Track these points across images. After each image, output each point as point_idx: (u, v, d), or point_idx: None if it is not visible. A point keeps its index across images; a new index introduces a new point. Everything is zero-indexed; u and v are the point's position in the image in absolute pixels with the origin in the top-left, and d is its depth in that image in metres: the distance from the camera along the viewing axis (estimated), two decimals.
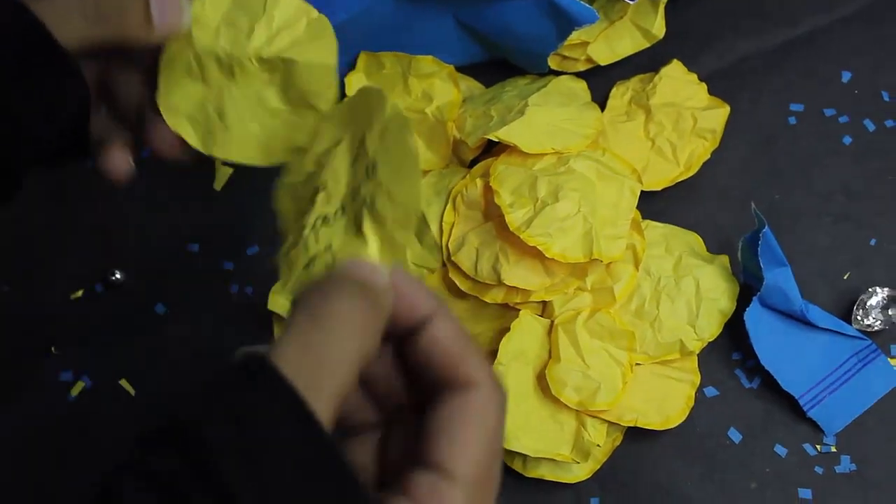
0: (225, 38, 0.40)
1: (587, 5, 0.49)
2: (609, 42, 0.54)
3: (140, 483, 0.27)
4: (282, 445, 0.27)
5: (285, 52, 0.39)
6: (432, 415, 0.31)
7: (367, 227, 0.36)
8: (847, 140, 0.54)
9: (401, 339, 0.32)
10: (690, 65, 0.55)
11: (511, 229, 0.47)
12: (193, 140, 0.40)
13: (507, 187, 0.49)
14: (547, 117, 0.51)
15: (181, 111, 0.40)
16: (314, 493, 0.27)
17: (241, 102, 0.40)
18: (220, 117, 0.40)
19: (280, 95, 0.40)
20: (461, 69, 0.55)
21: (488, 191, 0.49)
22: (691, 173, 0.52)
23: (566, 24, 0.50)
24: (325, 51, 0.40)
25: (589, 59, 0.54)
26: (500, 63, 0.55)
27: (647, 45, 0.54)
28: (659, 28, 0.54)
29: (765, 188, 0.53)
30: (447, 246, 0.50)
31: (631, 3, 0.50)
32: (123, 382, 0.52)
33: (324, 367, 0.29)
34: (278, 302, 0.49)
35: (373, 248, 0.35)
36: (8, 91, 0.37)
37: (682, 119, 0.53)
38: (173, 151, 0.40)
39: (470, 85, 0.55)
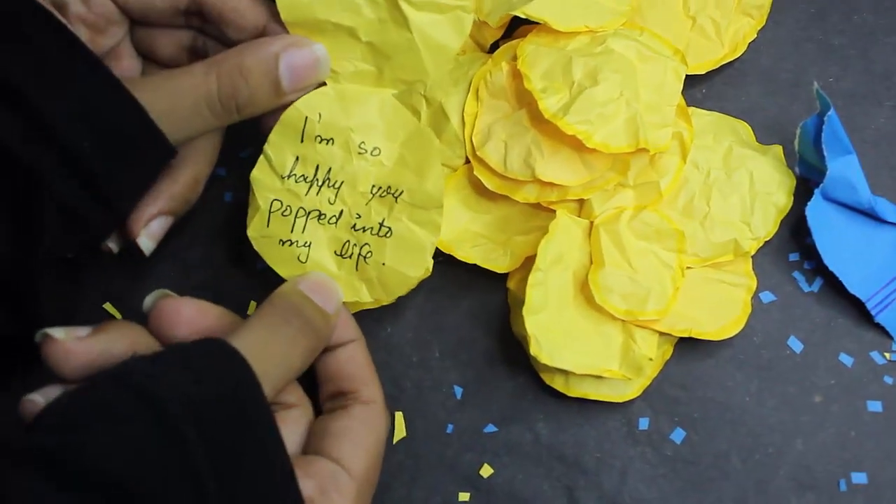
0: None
1: None
2: None
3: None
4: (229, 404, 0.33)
5: None
6: (337, 417, 0.39)
7: (358, 271, 0.42)
8: None
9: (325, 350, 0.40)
10: None
11: (546, 117, 0.42)
12: None
13: (537, 71, 0.43)
14: None
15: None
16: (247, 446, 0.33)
17: None
18: None
19: None
20: None
21: (516, 76, 0.44)
22: (737, 55, 0.47)
23: None
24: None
25: None
26: None
27: None
28: None
29: (818, 69, 0.48)
30: (471, 139, 0.44)
31: None
32: (108, 306, 0.46)
33: (269, 374, 0.35)
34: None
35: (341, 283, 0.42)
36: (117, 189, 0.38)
37: None
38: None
39: None
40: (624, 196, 0.44)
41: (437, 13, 0.41)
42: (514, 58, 0.44)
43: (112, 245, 0.41)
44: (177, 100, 0.39)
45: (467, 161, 0.44)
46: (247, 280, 0.46)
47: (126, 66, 0.42)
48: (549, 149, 0.43)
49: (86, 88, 0.36)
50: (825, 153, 0.43)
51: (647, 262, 0.43)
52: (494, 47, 0.46)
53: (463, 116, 0.44)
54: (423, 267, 0.42)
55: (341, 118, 0.42)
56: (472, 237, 0.45)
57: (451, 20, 0.42)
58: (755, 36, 0.47)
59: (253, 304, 0.46)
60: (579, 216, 0.44)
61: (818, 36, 0.48)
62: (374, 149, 0.42)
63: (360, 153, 0.42)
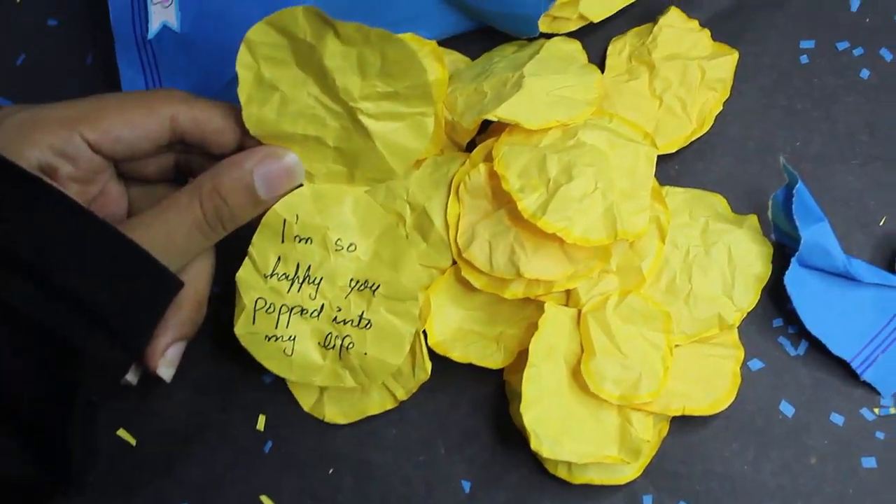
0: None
1: None
2: None
3: None
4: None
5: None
6: None
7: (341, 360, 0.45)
8: (865, 73, 0.50)
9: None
10: (689, 10, 0.51)
11: (525, 217, 0.43)
12: None
13: (513, 170, 0.45)
14: (545, 87, 0.47)
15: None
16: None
17: None
18: None
19: None
20: (442, 42, 0.51)
21: (493, 176, 0.45)
22: (705, 129, 0.49)
23: None
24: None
25: (581, 17, 0.50)
26: (484, 31, 0.51)
27: None
28: None
29: (784, 135, 0.50)
30: (456, 241, 0.46)
31: None
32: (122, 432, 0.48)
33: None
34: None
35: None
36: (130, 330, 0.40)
37: (689, 71, 0.49)
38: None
39: (454, 59, 0.51)
40: (609, 281, 0.46)
41: (397, 121, 0.43)
42: (491, 157, 0.46)
43: (131, 379, 0.43)
44: (171, 234, 0.41)
45: (455, 262, 0.46)
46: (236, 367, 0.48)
47: (113, 199, 0.44)
48: (531, 245, 0.44)
49: (90, 246, 0.38)
50: (797, 223, 0.45)
51: (637, 346, 0.45)
52: (471, 145, 0.48)
53: (446, 218, 0.46)
54: (402, 354, 0.44)
55: (318, 218, 0.44)
56: (466, 335, 0.46)
57: (411, 126, 0.43)
58: (721, 108, 0.49)
59: (261, 417, 0.48)
60: (567, 304, 0.46)
61: (782, 102, 0.50)
62: (350, 245, 0.44)
63: (336, 250, 0.44)
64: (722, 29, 0.51)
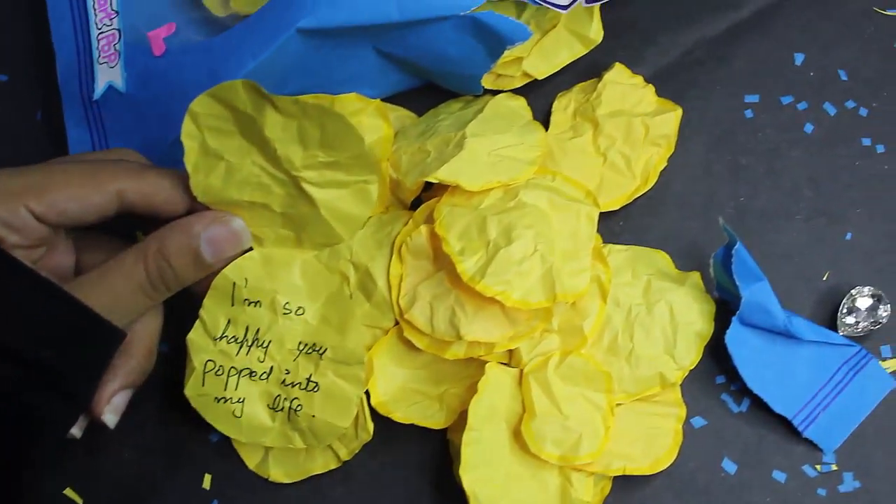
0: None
1: (517, 21, 0.45)
2: (545, 53, 0.50)
3: None
4: None
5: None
6: None
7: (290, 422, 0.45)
8: (809, 128, 0.51)
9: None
10: (634, 65, 0.51)
11: (464, 280, 0.44)
12: None
13: (454, 232, 0.45)
14: (487, 147, 0.47)
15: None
16: None
17: None
18: None
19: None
20: (388, 98, 0.51)
21: (435, 237, 0.46)
22: (649, 185, 0.49)
23: (496, 43, 0.46)
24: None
25: (525, 74, 0.50)
26: (431, 87, 0.51)
27: (586, 50, 0.51)
28: (596, 32, 0.50)
29: (728, 190, 0.50)
30: (398, 302, 0.46)
31: (564, 11, 0.46)
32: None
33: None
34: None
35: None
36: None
37: (633, 128, 0.49)
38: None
39: (400, 115, 0.51)
40: (551, 341, 0.46)
41: (340, 188, 0.44)
42: (433, 218, 0.46)
43: (76, 432, 0.44)
44: (116, 293, 0.42)
45: (397, 321, 0.46)
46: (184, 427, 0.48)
47: (60, 254, 0.45)
48: (472, 308, 0.45)
49: (35, 305, 0.39)
50: (737, 283, 0.45)
51: (578, 407, 0.45)
52: (417, 202, 0.48)
53: (389, 279, 0.46)
54: (349, 417, 0.45)
55: (267, 281, 0.45)
56: (408, 395, 0.47)
57: (354, 193, 0.44)
58: (666, 164, 0.50)
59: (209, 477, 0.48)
60: (509, 363, 0.46)
61: (726, 157, 0.50)
62: (299, 308, 0.45)
63: (285, 313, 0.45)
64: (667, 84, 0.51)
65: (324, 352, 0.45)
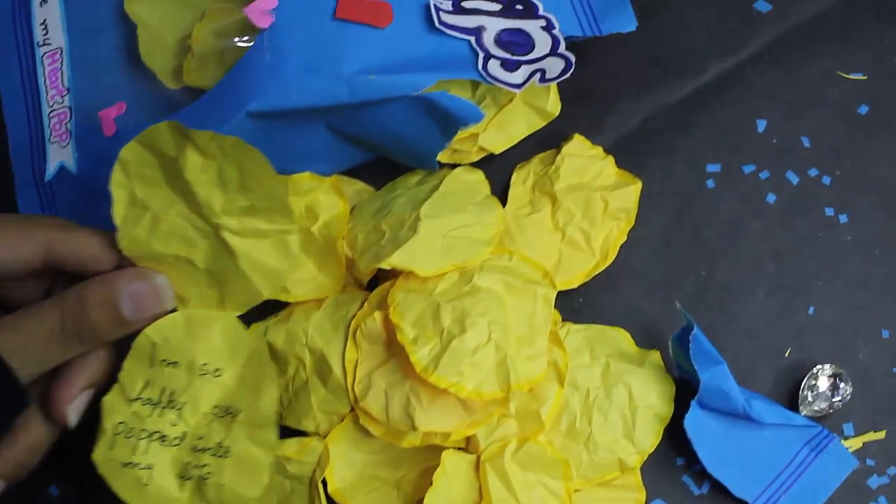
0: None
1: (470, 102, 0.45)
2: (502, 127, 0.50)
3: None
4: None
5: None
6: None
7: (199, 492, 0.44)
8: (771, 198, 0.50)
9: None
10: (593, 133, 0.51)
11: (417, 371, 0.43)
12: None
13: (408, 319, 0.45)
14: (442, 228, 0.46)
15: None
16: None
17: None
18: None
19: None
20: (346, 171, 0.50)
21: (389, 322, 0.45)
22: (609, 262, 0.49)
23: (450, 123, 0.45)
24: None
25: (482, 149, 0.50)
26: (389, 159, 0.50)
27: (544, 123, 0.50)
28: (554, 105, 0.50)
29: (689, 264, 0.49)
30: (353, 389, 0.45)
31: (518, 90, 0.45)
32: None
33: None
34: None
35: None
36: None
37: (592, 203, 0.48)
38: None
39: (358, 189, 0.51)
40: (508, 427, 0.46)
41: (260, 238, 0.43)
42: (386, 304, 0.45)
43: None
44: (27, 336, 0.41)
45: (353, 409, 0.46)
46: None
47: None
48: (427, 397, 0.44)
49: None
50: (695, 367, 0.44)
51: (535, 494, 0.44)
52: (374, 281, 0.48)
53: (344, 364, 0.46)
54: (260, 486, 0.44)
55: (187, 342, 0.44)
56: (367, 481, 0.46)
57: (274, 244, 0.43)
58: (626, 238, 0.49)
59: None
60: (466, 447, 0.46)
61: (687, 230, 0.50)
62: (217, 370, 0.44)
63: (202, 374, 0.44)
64: (627, 153, 0.50)
65: (237, 414, 0.44)
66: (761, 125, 0.51)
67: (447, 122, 0.45)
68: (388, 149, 0.49)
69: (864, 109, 0.51)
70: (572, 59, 0.46)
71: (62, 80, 0.51)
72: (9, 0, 0.53)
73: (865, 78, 0.52)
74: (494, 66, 0.45)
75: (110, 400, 0.44)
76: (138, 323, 0.43)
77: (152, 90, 0.53)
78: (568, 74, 0.46)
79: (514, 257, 0.47)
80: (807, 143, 0.51)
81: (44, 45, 0.52)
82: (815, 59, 0.52)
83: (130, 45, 0.53)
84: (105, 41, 0.53)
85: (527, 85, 0.46)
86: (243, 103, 0.45)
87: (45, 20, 0.52)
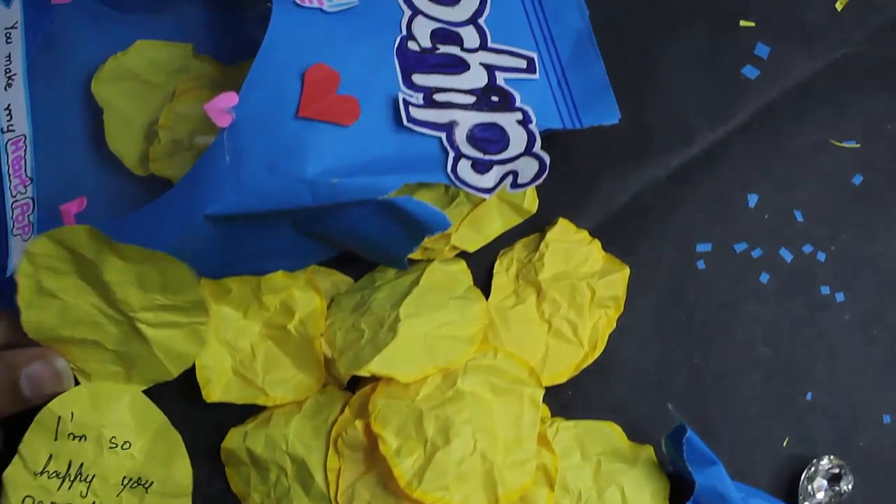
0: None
1: (436, 210, 0.43)
2: (476, 226, 0.48)
3: None
4: None
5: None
6: None
7: None
8: (765, 277, 0.48)
9: None
10: (579, 212, 0.49)
11: (401, 485, 0.41)
12: None
13: (390, 428, 0.43)
14: (423, 328, 0.45)
15: None
16: None
17: None
18: None
19: None
20: (323, 262, 0.48)
21: (371, 430, 0.43)
22: (598, 353, 0.47)
23: (416, 229, 0.43)
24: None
25: (454, 248, 0.48)
26: None
27: (520, 220, 0.48)
28: (531, 202, 0.48)
29: (681, 351, 0.48)
30: (336, 499, 0.44)
31: (487, 196, 0.43)
32: None
33: None
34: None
35: None
36: None
37: (579, 292, 0.47)
38: None
39: (335, 280, 0.49)
40: None
41: (174, 328, 0.44)
42: (367, 411, 0.44)
43: None
44: None
45: None
46: None
47: None
48: None
49: None
50: (690, 468, 0.43)
51: None
52: (353, 381, 0.46)
53: (326, 473, 0.44)
54: None
55: (93, 416, 0.44)
56: None
57: (187, 334, 0.44)
58: (614, 326, 0.47)
59: None
60: None
61: (679, 314, 0.48)
62: (125, 443, 0.45)
63: (111, 448, 0.44)
64: (614, 235, 0.49)
65: (150, 485, 0.44)
66: (752, 199, 0.49)
67: (414, 227, 0.43)
68: (355, 248, 0.47)
69: (857, 179, 0.50)
70: (546, 160, 0.44)
71: (25, 170, 0.49)
72: None
73: (859, 146, 0.50)
74: (464, 168, 0.43)
75: (12, 474, 0.44)
76: (36, 402, 0.43)
77: (117, 179, 0.51)
78: (540, 180, 0.44)
79: (500, 355, 0.45)
80: (800, 218, 0.49)
81: (7, 131, 0.50)
82: (806, 126, 0.50)
83: (96, 130, 0.51)
84: (70, 126, 0.52)
85: (497, 190, 0.44)
86: (201, 206, 0.43)
87: (9, 105, 0.50)
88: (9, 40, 0.51)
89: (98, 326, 0.44)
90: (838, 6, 0.52)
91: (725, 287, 0.48)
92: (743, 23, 0.52)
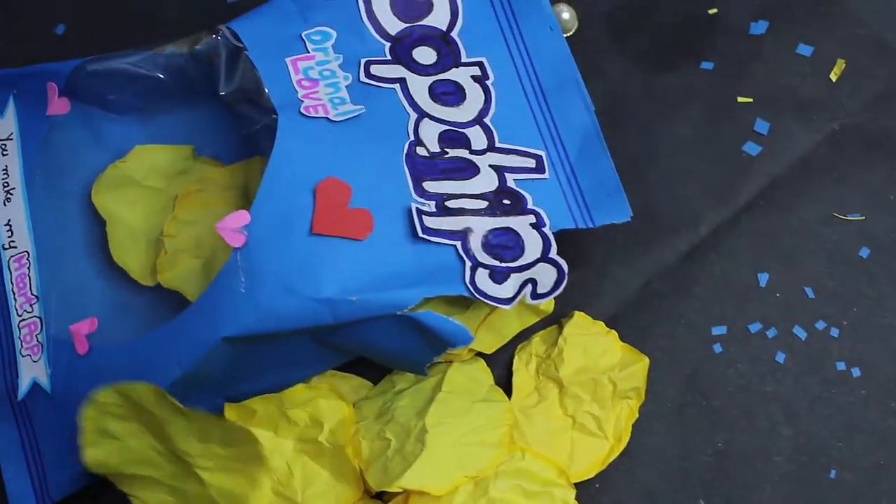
0: None
1: (458, 324, 0.43)
2: (493, 328, 0.48)
3: None
4: None
5: None
6: None
7: None
8: (780, 357, 0.49)
9: None
10: (592, 301, 0.50)
11: None
12: None
13: None
14: (451, 437, 0.45)
15: None
16: None
17: None
18: None
19: None
20: (341, 366, 0.48)
21: None
22: (623, 444, 0.47)
23: (437, 342, 0.43)
24: None
25: (471, 350, 0.48)
26: None
27: (537, 319, 0.48)
28: (548, 303, 0.47)
29: (704, 436, 0.48)
30: None
31: (507, 307, 0.43)
32: None
33: None
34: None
35: None
36: None
37: (600, 386, 0.47)
38: None
39: (355, 385, 0.49)
40: None
41: (230, 473, 0.44)
42: None
43: None
44: None
45: None
46: None
47: None
48: None
49: None
50: None
51: None
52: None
53: None
54: None
55: None
56: None
57: (243, 479, 0.44)
58: (637, 415, 0.47)
59: None
60: None
61: (699, 400, 0.48)
62: None
63: None
64: (629, 322, 0.49)
65: None
66: (763, 279, 0.50)
67: (435, 340, 0.43)
68: (374, 357, 0.47)
69: (864, 252, 0.50)
70: (565, 268, 0.44)
71: (30, 287, 0.48)
72: None
73: (864, 218, 0.50)
74: (482, 278, 0.43)
75: None
76: None
77: (124, 289, 0.50)
78: (560, 289, 0.44)
79: (527, 456, 0.45)
80: (811, 294, 0.49)
81: (9, 248, 0.49)
82: (810, 200, 0.51)
83: (99, 240, 0.50)
84: (72, 237, 0.51)
85: (517, 301, 0.44)
86: (218, 329, 0.43)
87: (9, 220, 0.49)
88: (4, 152, 0.50)
89: (156, 464, 0.44)
90: (833, 77, 0.53)
91: (742, 370, 0.49)
92: (741, 99, 0.52)
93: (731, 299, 0.49)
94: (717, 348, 0.49)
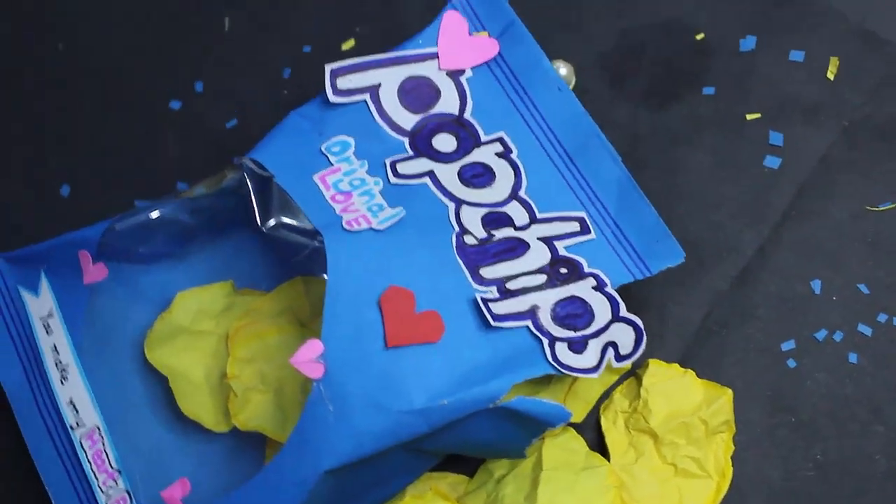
0: None
1: (554, 403, 0.43)
2: (578, 396, 0.49)
3: None
4: None
5: None
6: None
7: None
8: (853, 357, 0.49)
9: None
10: (658, 345, 0.50)
11: None
12: None
13: None
14: None
15: None
16: None
17: None
18: None
19: None
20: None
21: None
22: (728, 479, 0.48)
23: (535, 426, 0.44)
24: None
25: None
26: None
27: (616, 378, 0.48)
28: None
29: (802, 453, 0.49)
30: None
31: (594, 375, 0.44)
32: None
33: None
34: None
35: None
36: None
37: (692, 428, 0.47)
38: None
39: (451, 482, 0.49)
40: None
41: None
42: None
43: None
44: None
45: None
46: None
47: None
48: None
49: None
50: None
51: None
52: None
53: None
54: None
55: None
56: None
57: None
58: (734, 447, 0.48)
59: None
60: None
61: (787, 418, 0.49)
62: None
63: None
64: (701, 359, 0.50)
65: None
66: (816, 286, 0.50)
67: (532, 424, 0.44)
68: (471, 453, 0.46)
69: None
70: (640, 325, 0.44)
71: (109, 462, 0.47)
72: (25, 385, 0.49)
73: (895, 205, 0.51)
74: (563, 351, 0.44)
75: None
76: None
77: (200, 444, 0.50)
78: (642, 347, 0.44)
79: None
80: (865, 290, 0.50)
81: (78, 427, 0.48)
82: (839, 200, 0.52)
83: (163, 397, 0.50)
84: (136, 402, 0.51)
85: (602, 367, 0.44)
86: (318, 464, 0.42)
87: (71, 399, 0.48)
88: (49, 331, 0.49)
89: None
90: (830, 76, 0.54)
91: (821, 378, 0.49)
92: (749, 116, 0.53)
93: (792, 312, 0.50)
94: (791, 363, 0.49)
